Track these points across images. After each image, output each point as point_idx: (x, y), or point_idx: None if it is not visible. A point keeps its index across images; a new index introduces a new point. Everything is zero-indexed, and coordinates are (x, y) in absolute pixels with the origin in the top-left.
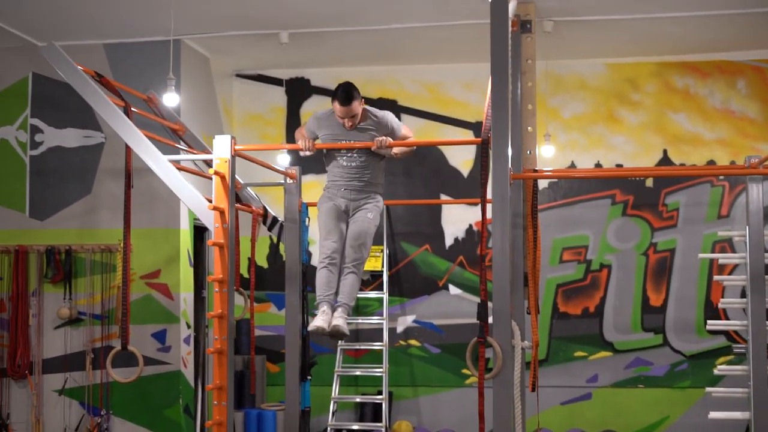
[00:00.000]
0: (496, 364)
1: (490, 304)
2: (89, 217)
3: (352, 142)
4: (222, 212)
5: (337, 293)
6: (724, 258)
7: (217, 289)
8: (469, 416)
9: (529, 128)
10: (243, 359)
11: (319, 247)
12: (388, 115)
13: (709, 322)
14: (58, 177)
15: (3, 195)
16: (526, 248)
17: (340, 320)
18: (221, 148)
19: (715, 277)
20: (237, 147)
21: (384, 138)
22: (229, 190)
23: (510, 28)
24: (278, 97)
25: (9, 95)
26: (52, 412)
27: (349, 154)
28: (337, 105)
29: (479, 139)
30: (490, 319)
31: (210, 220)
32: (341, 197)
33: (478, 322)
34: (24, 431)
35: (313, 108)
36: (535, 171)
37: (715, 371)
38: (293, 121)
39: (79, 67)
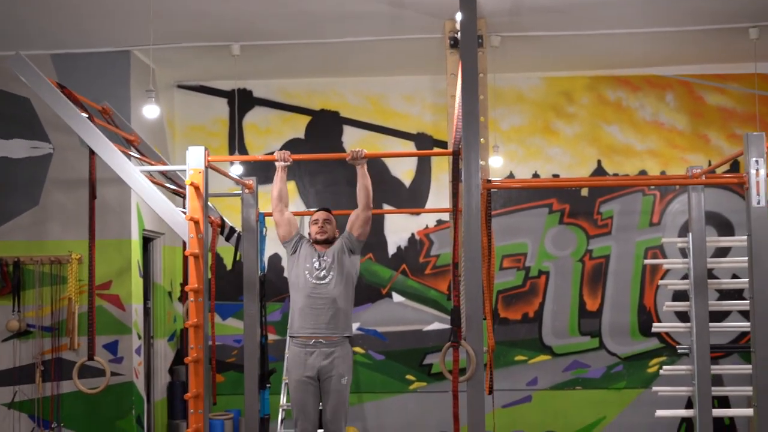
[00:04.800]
0: (470, 367)
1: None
2: (37, 229)
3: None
4: (197, 222)
5: None
6: (668, 263)
7: (192, 299)
8: (412, 421)
9: (482, 140)
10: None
11: (293, 424)
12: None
13: (654, 324)
14: (5, 188)
15: None
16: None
17: None
18: (195, 159)
19: (661, 282)
20: (210, 159)
21: (360, 149)
22: (203, 200)
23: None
24: (220, 108)
25: None
26: (0, 425)
27: (318, 267)
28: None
29: (450, 151)
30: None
31: (184, 230)
32: (309, 361)
33: (452, 327)
34: None
35: (256, 120)
36: (489, 181)
37: (661, 371)
38: (236, 133)
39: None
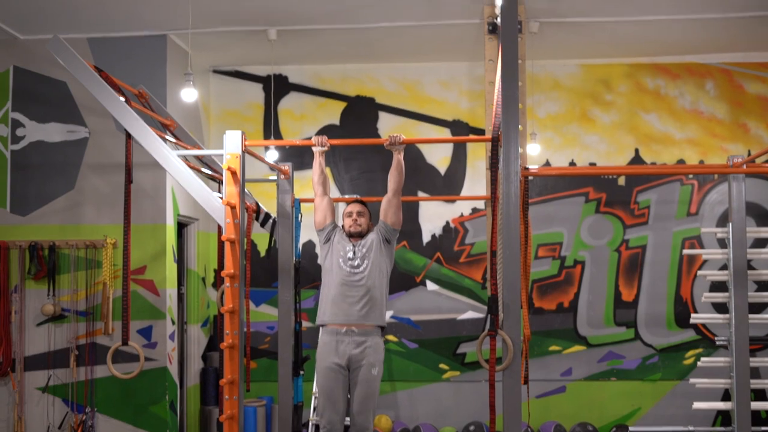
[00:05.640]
0: (507, 356)
1: (465, 298)
2: (73, 213)
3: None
4: (234, 207)
5: None
6: (708, 254)
7: (228, 284)
8: (445, 410)
9: (519, 127)
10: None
11: (319, 413)
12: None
13: (693, 315)
14: (41, 172)
15: None
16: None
17: None
18: (233, 143)
19: (699, 272)
20: (247, 143)
21: (398, 135)
22: (240, 185)
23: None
24: (256, 93)
25: None
26: (34, 410)
27: (353, 256)
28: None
29: (489, 137)
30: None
31: (221, 215)
32: (341, 348)
33: (489, 315)
34: (5, 430)
35: (291, 105)
36: (526, 169)
37: (699, 363)
38: (271, 118)
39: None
